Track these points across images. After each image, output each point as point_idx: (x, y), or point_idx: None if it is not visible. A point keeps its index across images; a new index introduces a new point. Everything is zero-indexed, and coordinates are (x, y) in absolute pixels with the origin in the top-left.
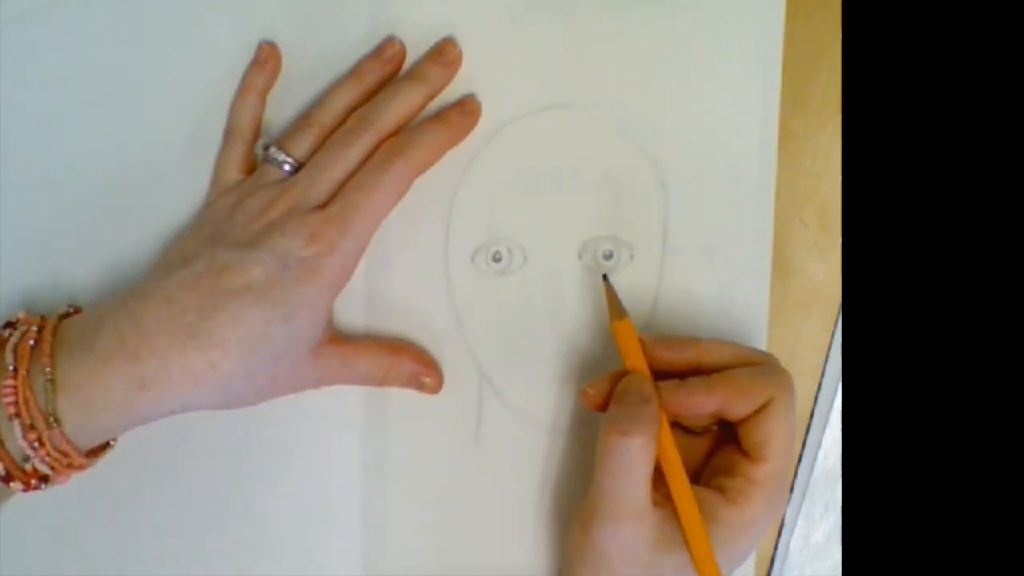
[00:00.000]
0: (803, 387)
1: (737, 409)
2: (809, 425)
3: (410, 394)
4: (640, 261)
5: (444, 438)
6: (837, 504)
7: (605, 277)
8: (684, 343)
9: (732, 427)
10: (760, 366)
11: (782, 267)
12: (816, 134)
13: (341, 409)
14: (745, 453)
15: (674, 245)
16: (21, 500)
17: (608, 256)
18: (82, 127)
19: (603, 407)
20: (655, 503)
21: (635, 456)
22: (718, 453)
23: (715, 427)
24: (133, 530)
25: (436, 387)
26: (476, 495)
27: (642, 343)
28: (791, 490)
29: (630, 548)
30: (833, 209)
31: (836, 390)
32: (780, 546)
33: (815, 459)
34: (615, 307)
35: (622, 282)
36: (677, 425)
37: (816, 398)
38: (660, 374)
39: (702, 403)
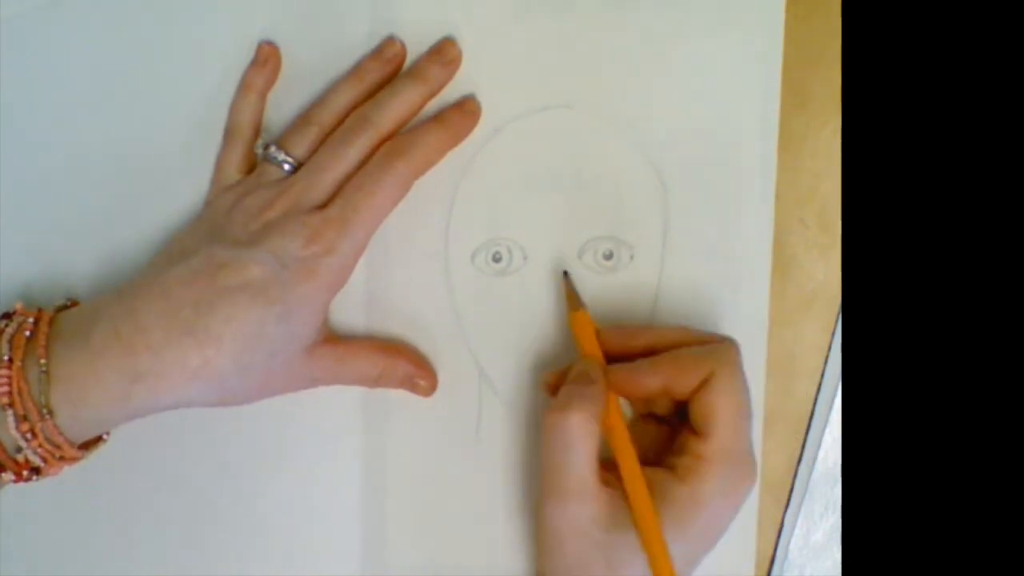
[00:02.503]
0: (803, 387)
1: (681, 385)
2: (809, 425)
3: (410, 394)
4: (640, 261)
5: (444, 438)
6: (837, 504)
7: (566, 273)
8: (637, 331)
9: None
10: (707, 345)
11: (782, 267)
12: (816, 134)
13: (340, 409)
14: (694, 431)
15: (674, 245)
16: (21, 500)
17: (608, 256)
18: (82, 125)
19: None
20: (606, 483)
21: (574, 432)
22: (677, 436)
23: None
24: (132, 530)
25: (430, 389)
26: (476, 495)
27: (598, 332)
28: (791, 486)
29: (578, 526)
30: (833, 209)
31: (836, 390)
32: (780, 546)
33: (815, 459)
34: (573, 299)
35: (622, 282)
36: (651, 415)
37: (816, 398)
38: (619, 360)
39: (648, 381)
